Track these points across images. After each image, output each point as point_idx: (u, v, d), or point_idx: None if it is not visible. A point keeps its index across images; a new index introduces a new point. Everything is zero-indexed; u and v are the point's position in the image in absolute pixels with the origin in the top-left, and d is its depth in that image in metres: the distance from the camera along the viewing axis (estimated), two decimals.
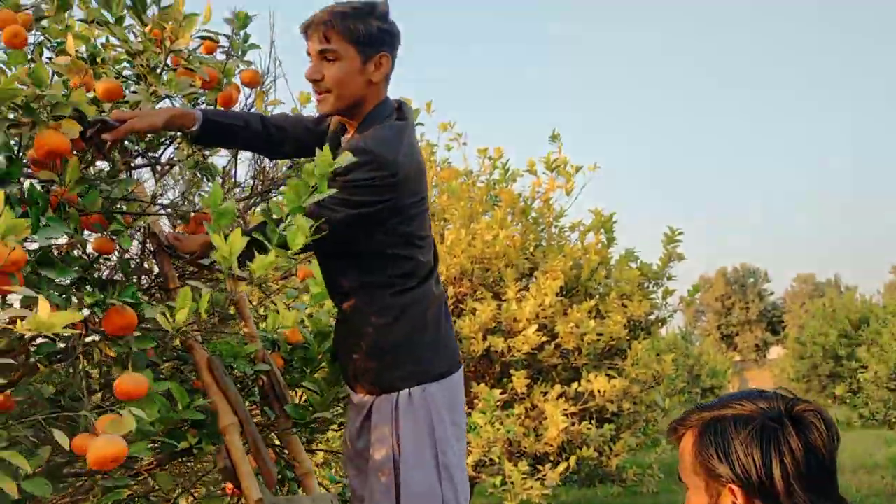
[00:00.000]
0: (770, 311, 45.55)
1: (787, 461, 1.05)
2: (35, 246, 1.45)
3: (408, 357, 1.84)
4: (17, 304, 1.56)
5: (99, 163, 1.86)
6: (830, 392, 16.87)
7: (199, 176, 2.37)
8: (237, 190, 2.55)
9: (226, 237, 1.49)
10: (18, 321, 1.04)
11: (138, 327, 1.55)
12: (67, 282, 1.61)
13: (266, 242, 1.55)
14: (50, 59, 1.89)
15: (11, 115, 1.50)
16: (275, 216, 1.62)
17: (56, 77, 1.67)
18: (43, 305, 1.06)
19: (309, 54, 1.84)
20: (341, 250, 1.84)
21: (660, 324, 6.54)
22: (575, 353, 5.73)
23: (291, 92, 2.52)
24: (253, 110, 2.29)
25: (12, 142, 1.53)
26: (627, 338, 5.85)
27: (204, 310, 1.47)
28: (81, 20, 1.97)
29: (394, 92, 2.01)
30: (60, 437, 1.20)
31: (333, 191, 1.60)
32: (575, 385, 5.63)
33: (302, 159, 2.31)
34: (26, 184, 1.47)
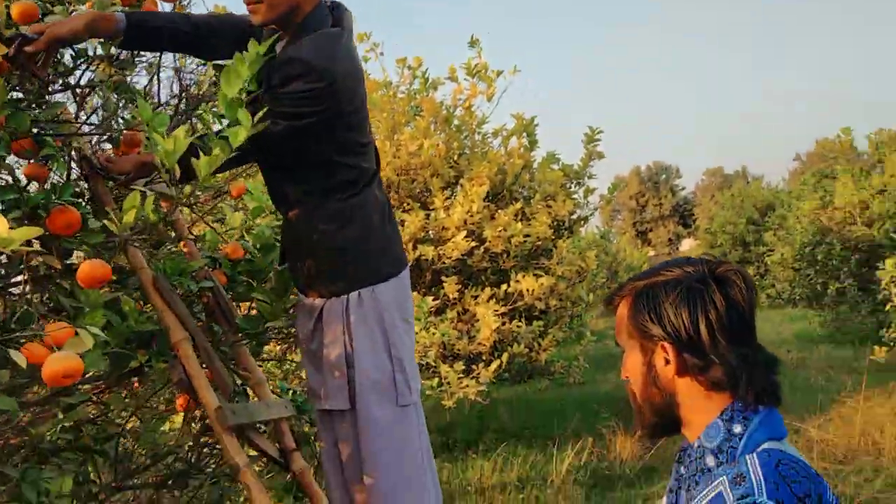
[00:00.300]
0: (682, 205, 47.29)
1: (712, 316, 1.15)
2: None
3: (356, 260, 1.90)
4: None
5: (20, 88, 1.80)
6: None
7: (117, 99, 2.31)
8: (160, 110, 2.50)
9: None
10: None
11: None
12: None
13: (206, 145, 1.56)
14: None
15: None
16: (212, 122, 1.63)
17: None
18: (1, 222, 1.06)
19: None
20: (285, 162, 1.86)
21: (582, 222, 6.77)
22: (503, 256, 5.91)
23: (207, 6, 2.43)
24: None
25: None
26: (552, 238, 6.05)
27: (151, 211, 1.49)
28: None
29: None
30: (17, 356, 1.23)
31: (273, 117, 1.61)
32: (504, 287, 5.83)
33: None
34: None
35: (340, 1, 1.92)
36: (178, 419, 2.54)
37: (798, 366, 8.88)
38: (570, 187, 6.49)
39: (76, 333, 1.37)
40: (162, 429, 2.38)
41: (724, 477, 1.12)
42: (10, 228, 1.09)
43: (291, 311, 2.13)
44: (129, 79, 2.25)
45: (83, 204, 1.57)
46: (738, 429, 1.15)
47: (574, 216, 6.54)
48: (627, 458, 5.61)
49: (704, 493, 1.14)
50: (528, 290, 5.73)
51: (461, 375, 5.37)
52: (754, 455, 1.11)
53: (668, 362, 1.19)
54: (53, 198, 1.52)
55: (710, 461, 1.17)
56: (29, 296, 1.57)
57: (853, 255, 9.56)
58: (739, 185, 22.87)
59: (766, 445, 1.13)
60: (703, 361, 1.16)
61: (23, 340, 1.41)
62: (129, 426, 2.24)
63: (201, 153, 1.54)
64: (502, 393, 7.62)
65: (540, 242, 5.95)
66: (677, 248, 43.49)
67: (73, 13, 1.85)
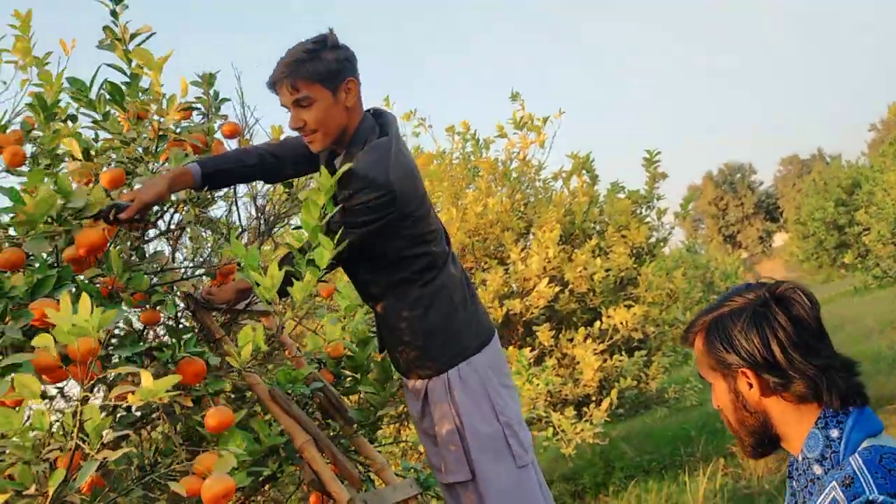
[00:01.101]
0: (765, 200, 45.85)
1: (781, 336, 1.22)
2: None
3: (447, 339, 2.02)
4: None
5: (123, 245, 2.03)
6: (840, 262, 17.11)
7: (209, 235, 2.55)
8: (242, 234, 2.73)
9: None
10: (129, 395, 1.22)
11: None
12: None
13: (297, 270, 1.73)
14: (49, 165, 2.05)
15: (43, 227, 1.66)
16: (296, 245, 1.80)
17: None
18: (146, 376, 1.23)
19: (284, 106, 1.97)
20: (364, 262, 2.02)
21: (662, 244, 6.74)
22: (590, 294, 5.93)
23: (267, 133, 2.68)
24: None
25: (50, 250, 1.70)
26: (634, 266, 6.05)
27: (262, 341, 1.66)
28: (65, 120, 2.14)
29: None
30: (177, 486, 1.39)
31: (348, 218, 1.79)
32: (597, 324, 5.83)
33: (298, 193, 2.50)
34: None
35: (380, 108, 2.10)
36: None
37: None
38: (641, 212, 6.50)
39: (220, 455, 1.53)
40: None
41: (834, 482, 1.16)
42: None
43: (397, 393, 2.26)
44: (210, 211, 2.49)
45: (206, 352, 1.75)
46: (835, 433, 1.21)
47: (652, 240, 6.53)
48: (763, 473, 5.44)
49: (819, 501, 1.18)
50: (621, 323, 5.72)
51: (574, 420, 5.36)
52: (856, 455, 1.16)
53: (751, 386, 1.26)
54: (181, 350, 1.69)
55: (818, 470, 1.22)
56: (166, 431, 1.75)
57: None
58: (819, 167, 22.07)
59: (865, 444, 1.18)
60: (783, 379, 1.23)
61: (171, 472, 1.58)
62: None
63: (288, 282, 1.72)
64: (621, 429, 7.52)
65: (623, 273, 5.95)
66: (770, 245, 42.02)
67: (155, 172, 2.08)
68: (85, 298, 1.25)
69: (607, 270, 5.81)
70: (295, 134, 2.06)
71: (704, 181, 46.16)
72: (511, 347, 5.62)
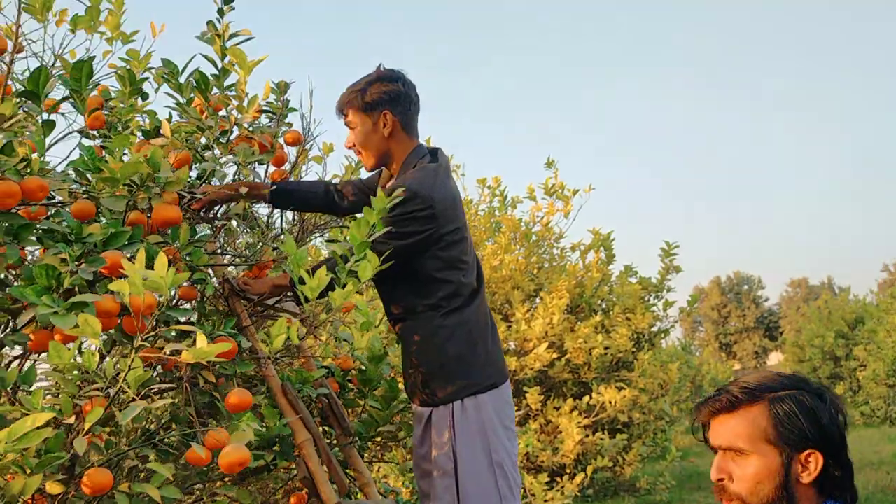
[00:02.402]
0: (767, 317, 45.89)
1: (841, 425, 1.28)
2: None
3: (459, 372, 2.12)
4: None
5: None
6: None
7: (237, 226, 2.69)
8: (288, 234, 2.87)
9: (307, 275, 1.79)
10: (184, 352, 1.33)
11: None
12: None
13: (337, 276, 1.86)
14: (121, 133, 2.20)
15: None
16: (340, 254, 1.93)
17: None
18: (201, 338, 1.35)
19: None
20: (394, 278, 2.14)
21: (663, 335, 6.85)
22: (584, 368, 6.02)
23: (319, 149, 2.87)
24: (303, 177, 2.71)
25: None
26: (633, 350, 6.14)
27: (295, 336, 1.77)
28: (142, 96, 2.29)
29: None
30: (199, 448, 1.49)
31: (388, 228, 1.93)
32: (586, 398, 5.91)
33: None
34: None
35: (438, 147, 2.29)
36: None
37: None
38: (649, 300, 6.62)
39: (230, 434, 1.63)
40: None
41: None
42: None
43: (397, 415, 2.35)
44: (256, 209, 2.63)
45: (237, 335, 1.87)
46: None
47: (654, 328, 6.64)
48: None
49: None
50: (610, 402, 5.79)
51: (546, 488, 5.40)
52: None
53: (804, 468, 1.28)
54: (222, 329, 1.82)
55: None
56: (183, 402, 1.86)
57: None
58: (826, 296, 22.20)
59: None
60: (839, 471, 1.27)
61: (182, 439, 1.68)
62: None
63: (336, 285, 1.85)
64: None
65: (621, 354, 6.05)
66: (765, 362, 41.90)
67: (222, 162, 2.23)
68: (162, 256, 1.37)
69: (606, 348, 5.91)
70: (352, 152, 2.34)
71: (711, 285, 46.31)
72: None
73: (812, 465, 1.27)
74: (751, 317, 44.76)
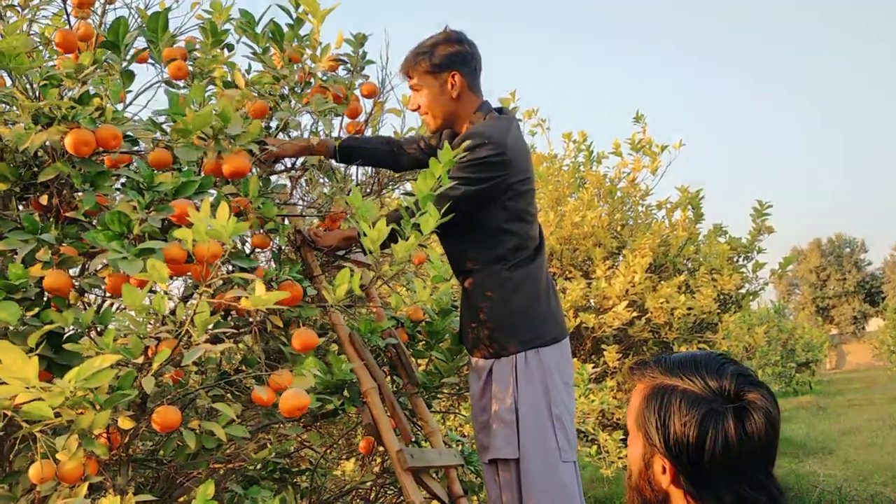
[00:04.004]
0: (868, 281, 43.66)
1: (719, 448, 1.07)
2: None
3: (524, 325, 2.12)
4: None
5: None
6: None
7: (319, 176, 2.73)
8: (356, 187, 2.89)
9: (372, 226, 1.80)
10: (243, 299, 1.37)
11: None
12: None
13: (402, 230, 1.86)
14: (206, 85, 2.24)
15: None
16: (404, 206, 1.93)
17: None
18: (259, 286, 1.38)
19: (410, 88, 2.29)
20: (461, 226, 2.13)
21: (751, 297, 6.61)
22: (665, 328, 5.89)
23: (398, 102, 2.88)
24: (379, 129, 2.71)
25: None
26: (718, 312, 5.96)
27: (357, 286, 1.79)
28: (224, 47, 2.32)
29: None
30: (261, 389, 1.54)
31: (454, 182, 1.92)
32: None
33: None
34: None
35: (503, 107, 2.27)
36: (350, 464, 2.83)
37: None
38: (738, 261, 6.39)
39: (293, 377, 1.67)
40: (338, 469, 2.67)
41: None
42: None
43: (463, 368, 2.37)
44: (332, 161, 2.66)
45: (304, 281, 1.90)
46: None
47: (742, 290, 6.41)
48: None
49: None
50: None
51: (620, 445, 5.36)
52: None
53: (664, 471, 1.14)
54: (287, 273, 1.85)
55: None
56: (250, 345, 1.92)
57: None
58: None
59: None
60: (698, 492, 1.11)
61: (250, 381, 1.74)
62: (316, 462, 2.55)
63: (399, 237, 1.85)
64: None
65: (705, 316, 5.88)
66: (863, 328, 40.08)
67: (297, 111, 2.25)
68: (224, 206, 1.40)
69: (689, 309, 5.76)
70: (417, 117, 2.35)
71: (811, 247, 44.33)
72: (576, 360, 5.66)
73: (661, 465, 1.13)
74: (851, 280, 42.71)
